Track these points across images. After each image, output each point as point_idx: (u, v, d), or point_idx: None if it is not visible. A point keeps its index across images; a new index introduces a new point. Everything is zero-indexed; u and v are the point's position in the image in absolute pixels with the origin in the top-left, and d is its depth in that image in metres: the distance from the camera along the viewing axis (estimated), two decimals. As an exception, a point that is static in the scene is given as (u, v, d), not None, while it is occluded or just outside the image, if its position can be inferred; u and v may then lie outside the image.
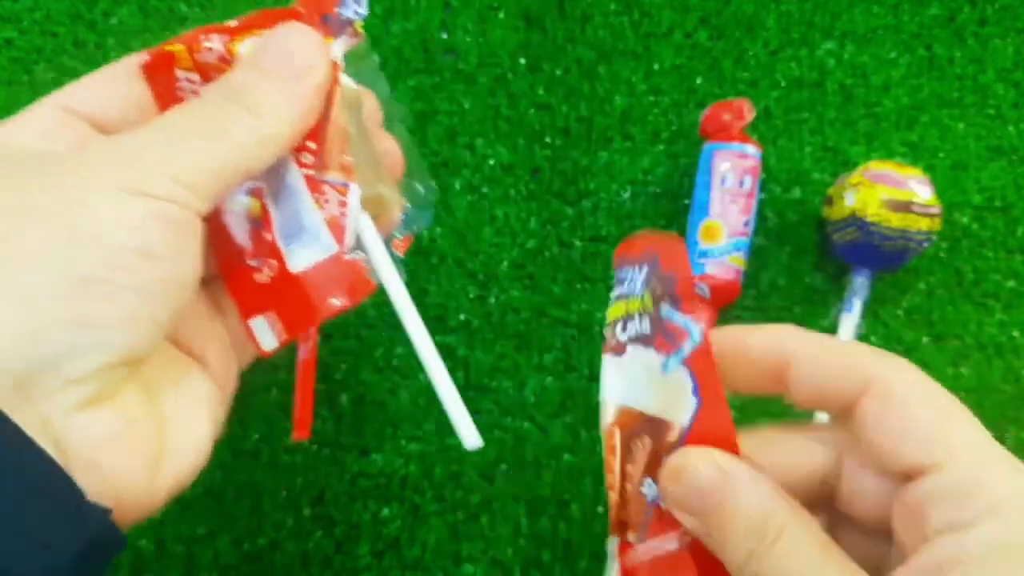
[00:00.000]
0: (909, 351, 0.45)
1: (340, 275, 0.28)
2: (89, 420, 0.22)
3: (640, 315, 0.27)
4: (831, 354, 0.24)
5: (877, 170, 0.43)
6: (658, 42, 0.49)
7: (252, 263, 0.28)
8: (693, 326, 0.25)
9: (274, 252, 0.28)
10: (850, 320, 0.44)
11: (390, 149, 0.31)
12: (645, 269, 0.27)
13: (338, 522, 0.43)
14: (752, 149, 0.44)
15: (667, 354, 0.25)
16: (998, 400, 0.45)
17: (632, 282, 0.27)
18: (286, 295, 0.28)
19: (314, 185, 0.27)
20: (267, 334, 0.28)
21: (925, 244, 0.42)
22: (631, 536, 0.26)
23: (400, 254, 0.30)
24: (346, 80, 0.28)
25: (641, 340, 0.26)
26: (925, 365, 0.45)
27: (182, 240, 0.24)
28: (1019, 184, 0.47)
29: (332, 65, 0.27)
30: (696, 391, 0.25)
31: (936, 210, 0.42)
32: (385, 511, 0.43)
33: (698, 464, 0.24)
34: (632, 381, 0.27)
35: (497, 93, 0.48)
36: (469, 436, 0.28)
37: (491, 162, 0.47)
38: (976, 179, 0.47)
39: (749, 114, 0.44)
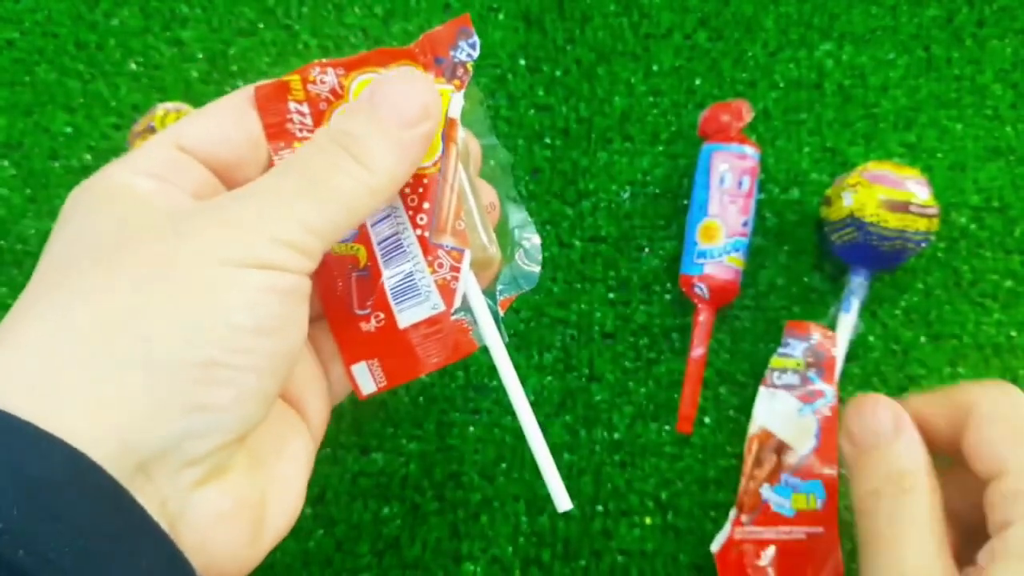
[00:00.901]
0: (907, 351, 0.46)
1: (446, 334, 0.29)
2: (202, 500, 0.23)
3: (794, 371, 0.41)
4: (946, 398, 0.30)
5: (875, 171, 0.43)
6: (657, 43, 0.49)
7: (360, 312, 0.29)
8: (828, 390, 0.41)
9: (384, 305, 0.28)
10: (848, 320, 0.44)
11: (492, 201, 0.31)
12: (805, 345, 0.42)
13: (338, 521, 0.43)
14: (751, 150, 0.44)
15: (805, 403, 0.40)
16: (996, 400, 0.45)
17: (795, 348, 0.42)
18: (392, 347, 0.29)
19: (428, 248, 0.28)
20: (368, 380, 0.29)
21: (923, 244, 0.43)
22: (744, 517, 0.40)
23: (502, 312, 0.30)
24: (461, 135, 0.28)
25: (789, 388, 0.41)
26: (923, 365, 0.46)
27: (293, 308, 0.24)
28: (1017, 184, 0.47)
29: (451, 123, 0.28)
30: (818, 435, 0.39)
31: (934, 210, 0.42)
32: (385, 510, 0.43)
33: (878, 407, 0.30)
34: (775, 413, 0.41)
35: (497, 94, 0.48)
36: (562, 500, 0.29)
37: (491, 162, 0.47)
38: (974, 179, 0.47)
39: (748, 115, 0.45)
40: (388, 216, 0.28)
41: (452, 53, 0.28)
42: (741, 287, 0.45)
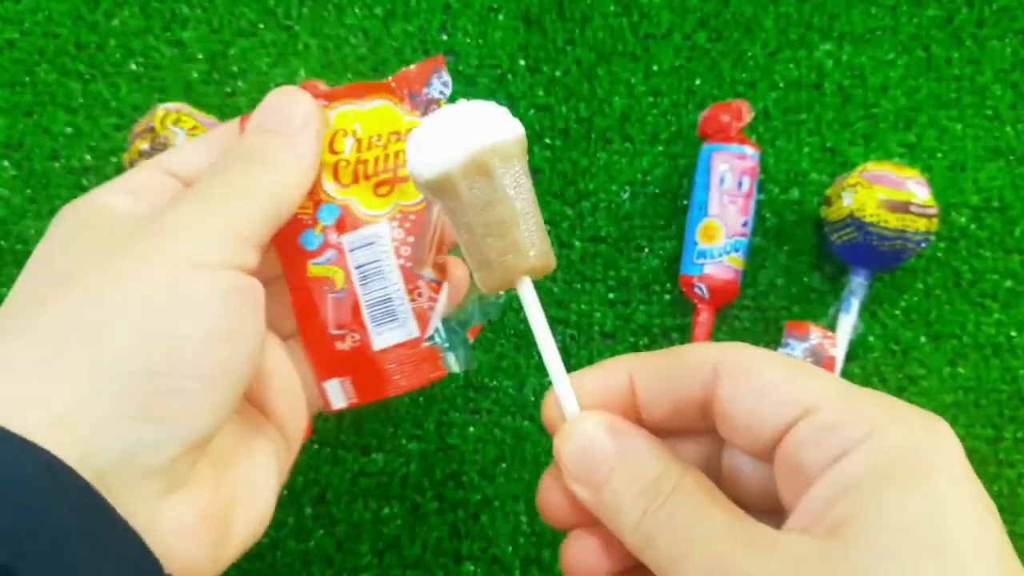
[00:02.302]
0: (907, 351, 0.46)
1: (418, 359, 0.30)
2: (164, 512, 0.23)
3: None
4: (670, 360, 0.25)
5: (875, 171, 0.43)
6: (657, 44, 0.49)
7: (335, 332, 0.30)
8: None
9: (360, 327, 0.30)
10: (848, 320, 0.44)
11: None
12: (805, 345, 0.42)
13: (339, 521, 0.43)
14: (750, 150, 0.44)
15: None
16: (996, 399, 0.45)
17: (794, 348, 0.43)
18: (364, 366, 0.30)
19: (410, 278, 0.30)
20: (339, 395, 0.31)
21: (923, 244, 0.43)
22: None
23: (471, 340, 0.31)
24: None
25: None
26: (923, 364, 0.46)
27: (240, 312, 0.25)
28: (1016, 184, 0.47)
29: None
30: None
31: (934, 210, 0.42)
32: (386, 510, 0.43)
33: (588, 423, 0.24)
34: None
35: (497, 94, 0.48)
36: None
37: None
38: (974, 179, 0.47)
39: (748, 115, 0.45)
40: (370, 244, 0.30)
41: (425, 90, 0.30)
42: (741, 287, 0.45)
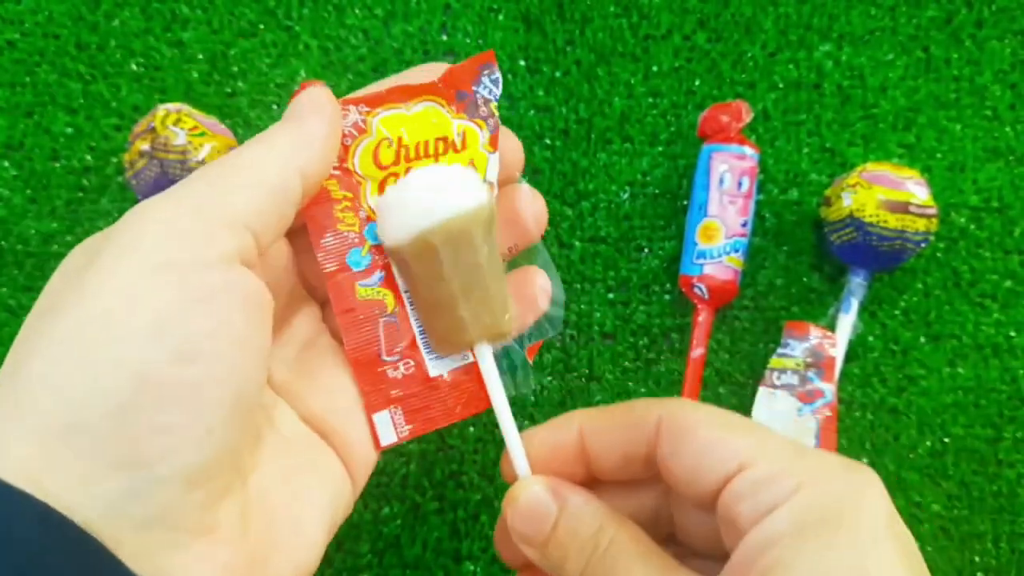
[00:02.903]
0: (906, 351, 0.46)
1: (473, 384, 0.29)
2: (173, 570, 0.20)
3: (792, 371, 0.42)
4: (617, 417, 0.26)
5: (874, 171, 0.43)
6: (657, 44, 0.49)
7: (388, 358, 0.28)
8: (828, 390, 0.42)
9: (414, 352, 0.28)
10: (847, 320, 0.44)
11: (515, 243, 0.30)
12: (804, 345, 0.43)
13: (339, 521, 0.43)
14: (750, 150, 0.44)
15: (805, 403, 0.42)
16: (995, 400, 0.45)
17: (794, 348, 0.43)
18: (419, 395, 0.28)
19: None
20: (389, 430, 0.28)
21: (922, 245, 0.43)
22: None
23: (530, 360, 0.30)
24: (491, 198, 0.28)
25: (789, 388, 0.42)
26: (922, 365, 0.46)
27: (220, 315, 0.21)
28: (1016, 185, 0.47)
29: (488, 187, 0.28)
30: (817, 435, 0.41)
31: (933, 211, 0.42)
32: (386, 510, 0.44)
33: (532, 486, 0.25)
34: (775, 413, 0.42)
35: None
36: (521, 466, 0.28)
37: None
38: (973, 180, 0.47)
39: (747, 116, 0.45)
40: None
41: (475, 88, 0.28)
42: (740, 287, 0.45)
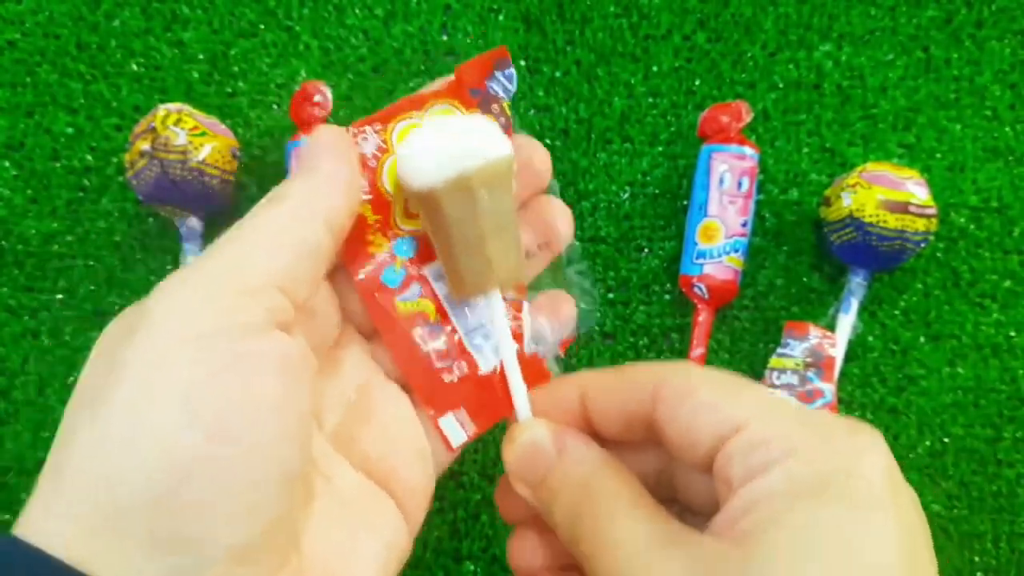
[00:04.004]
0: (906, 351, 0.46)
1: (525, 371, 0.29)
2: None
3: (792, 371, 0.43)
4: (617, 380, 0.26)
5: (874, 171, 0.43)
6: (657, 44, 0.49)
7: (440, 365, 0.29)
8: (828, 390, 0.42)
9: (463, 354, 0.29)
10: (847, 320, 0.44)
11: (547, 240, 0.30)
12: (804, 345, 0.43)
13: (339, 521, 0.43)
14: (750, 150, 0.44)
15: (804, 403, 0.41)
16: (995, 399, 0.45)
17: (793, 349, 0.43)
18: (477, 393, 0.29)
19: None
20: (457, 431, 0.29)
21: (922, 245, 0.43)
22: None
23: (561, 353, 0.31)
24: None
25: (788, 388, 0.42)
26: (922, 365, 0.46)
27: (252, 387, 0.21)
28: (1015, 185, 0.47)
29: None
30: None
31: (933, 211, 0.42)
32: (386, 510, 0.44)
33: (534, 427, 0.26)
34: None
35: (497, 95, 0.48)
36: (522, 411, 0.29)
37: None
38: (973, 180, 0.47)
39: (747, 116, 0.45)
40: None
41: (488, 84, 0.28)
42: (740, 287, 0.45)
